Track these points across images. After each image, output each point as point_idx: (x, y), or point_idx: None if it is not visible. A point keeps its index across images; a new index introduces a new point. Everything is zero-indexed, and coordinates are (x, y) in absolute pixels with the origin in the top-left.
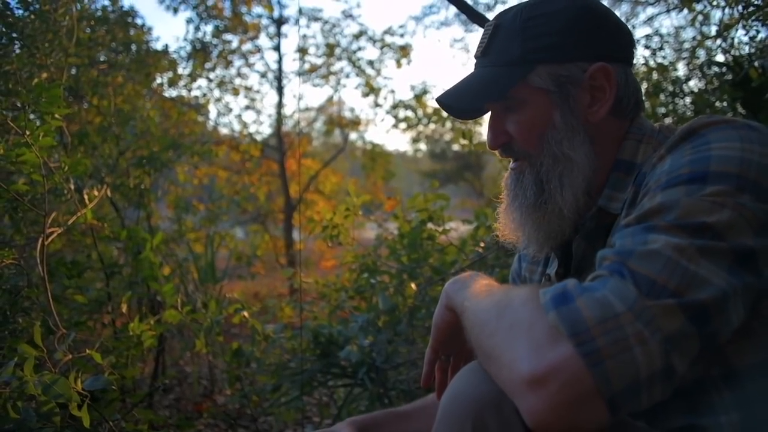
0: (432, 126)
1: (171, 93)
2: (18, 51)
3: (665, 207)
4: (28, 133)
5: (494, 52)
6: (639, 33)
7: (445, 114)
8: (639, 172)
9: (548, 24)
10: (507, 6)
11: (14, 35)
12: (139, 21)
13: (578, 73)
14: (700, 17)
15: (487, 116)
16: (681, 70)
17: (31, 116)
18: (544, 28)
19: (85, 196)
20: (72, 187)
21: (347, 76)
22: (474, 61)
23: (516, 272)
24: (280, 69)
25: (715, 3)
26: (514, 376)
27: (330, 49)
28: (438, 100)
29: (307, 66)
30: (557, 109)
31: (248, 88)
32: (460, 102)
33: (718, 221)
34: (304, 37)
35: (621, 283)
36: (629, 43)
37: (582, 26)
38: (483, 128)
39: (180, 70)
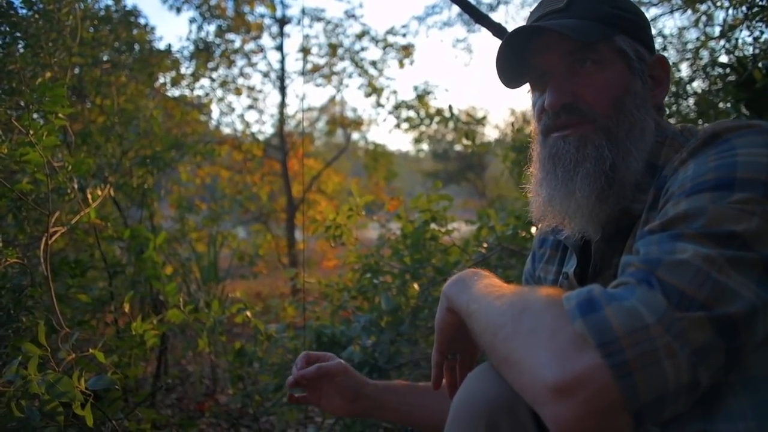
0: (434, 126)
1: (174, 92)
2: (22, 50)
3: (691, 214)
4: (31, 132)
5: (579, 9)
6: None
7: (447, 113)
8: (660, 175)
9: (629, 4)
10: (509, 6)
11: (18, 35)
12: (142, 21)
13: (647, 56)
14: (703, 18)
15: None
16: (684, 70)
17: (35, 116)
18: (626, 5)
19: (89, 196)
20: (75, 186)
21: (350, 76)
22: (542, 14)
23: (529, 273)
24: (282, 69)
25: (719, 3)
26: (536, 382)
27: (332, 49)
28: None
29: (309, 66)
30: (636, 77)
31: (251, 88)
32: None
33: (747, 230)
34: (307, 37)
35: (650, 293)
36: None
37: (646, 19)
38: (485, 128)
39: (183, 70)
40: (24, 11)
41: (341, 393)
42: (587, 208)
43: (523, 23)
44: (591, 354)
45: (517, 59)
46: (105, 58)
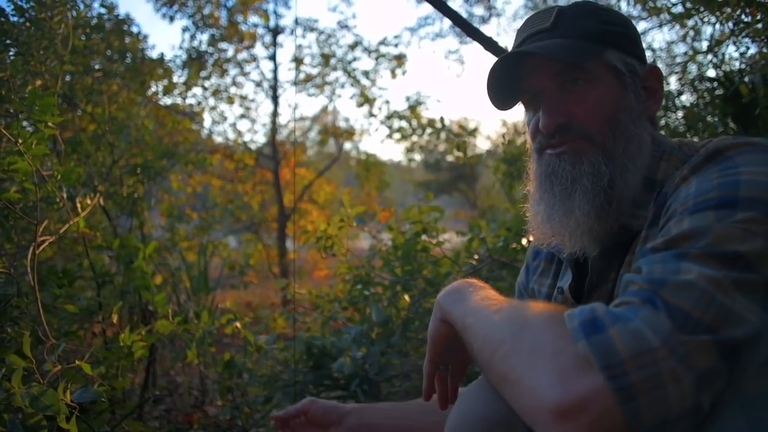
0: (426, 137)
1: (166, 101)
2: (12, 58)
3: (695, 233)
4: (20, 141)
5: (566, 27)
6: None
7: (438, 123)
8: (660, 191)
9: (617, 16)
10: (501, 19)
11: (9, 42)
12: (134, 29)
13: (639, 68)
14: (691, 32)
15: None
16: (673, 84)
17: (24, 124)
18: (614, 18)
19: (78, 205)
20: (64, 195)
21: (342, 86)
22: (529, 35)
23: (523, 285)
24: (275, 78)
25: (706, 19)
26: (537, 404)
27: (325, 59)
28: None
29: (302, 76)
30: (629, 92)
31: (243, 97)
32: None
33: (751, 250)
34: (300, 47)
35: (654, 315)
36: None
37: (636, 30)
38: (477, 139)
39: (175, 79)
40: (15, 18)
41: (323, 421)
42: (587, 225)
43: (514, 34)
44: (594, 376)
45: (506, 83)
46: (97, 66)
